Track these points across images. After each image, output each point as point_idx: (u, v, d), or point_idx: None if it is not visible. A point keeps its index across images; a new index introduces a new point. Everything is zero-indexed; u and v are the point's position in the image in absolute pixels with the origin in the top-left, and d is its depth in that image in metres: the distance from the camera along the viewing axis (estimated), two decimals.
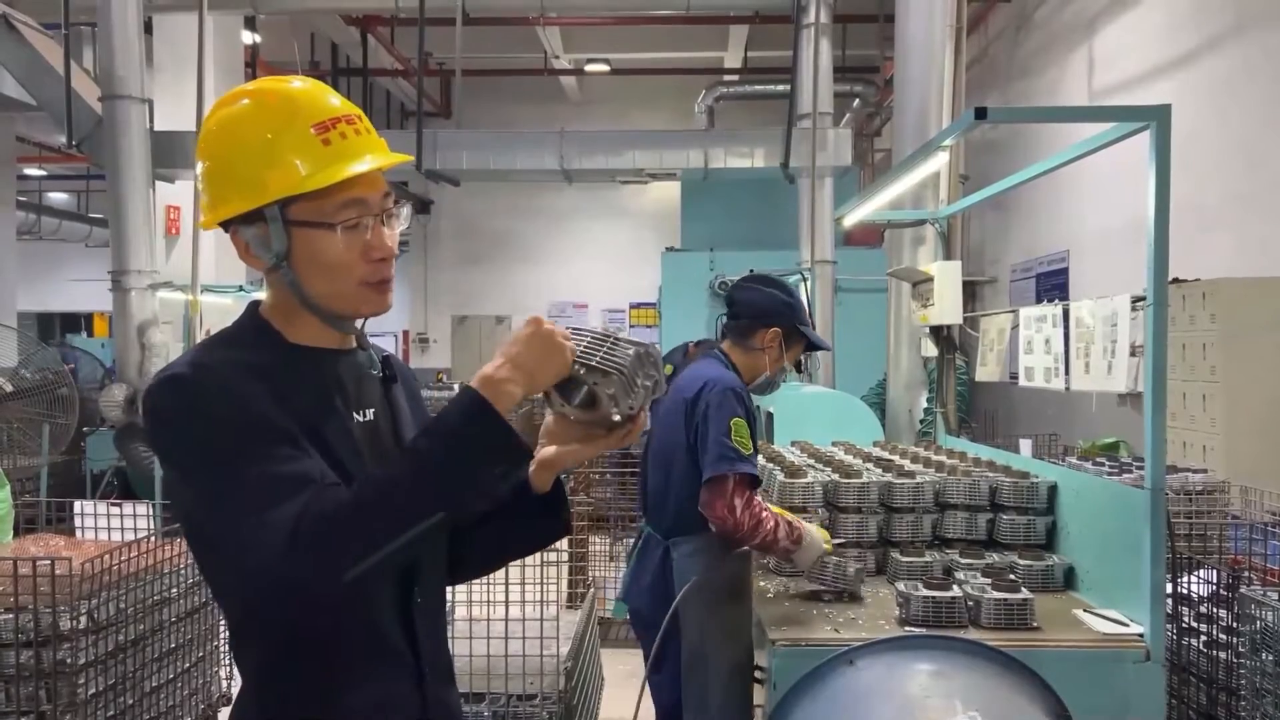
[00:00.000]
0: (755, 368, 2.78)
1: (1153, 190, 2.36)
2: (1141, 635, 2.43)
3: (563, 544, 4.64)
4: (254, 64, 12.65)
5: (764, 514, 2.57)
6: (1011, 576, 2.69)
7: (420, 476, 1.23)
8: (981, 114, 2.40)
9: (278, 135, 1.33)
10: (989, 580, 2.63)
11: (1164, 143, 2.37)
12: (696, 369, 2.80)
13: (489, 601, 3.60)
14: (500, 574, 3.39)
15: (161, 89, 9.82)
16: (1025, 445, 6.59)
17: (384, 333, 20.95)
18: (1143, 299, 2.40)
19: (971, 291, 11.64)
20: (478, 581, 3.46)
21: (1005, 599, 2.50)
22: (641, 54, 14.51)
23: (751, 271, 3.34)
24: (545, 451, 1.46)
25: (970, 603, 2.57)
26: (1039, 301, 9.08)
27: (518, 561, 1.78)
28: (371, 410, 1.44)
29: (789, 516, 2.70)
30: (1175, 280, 5.73)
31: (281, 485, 1.22)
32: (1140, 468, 4.95)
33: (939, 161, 3.47)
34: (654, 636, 2.63)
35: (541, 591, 3.52)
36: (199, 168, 1.39)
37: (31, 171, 17.60)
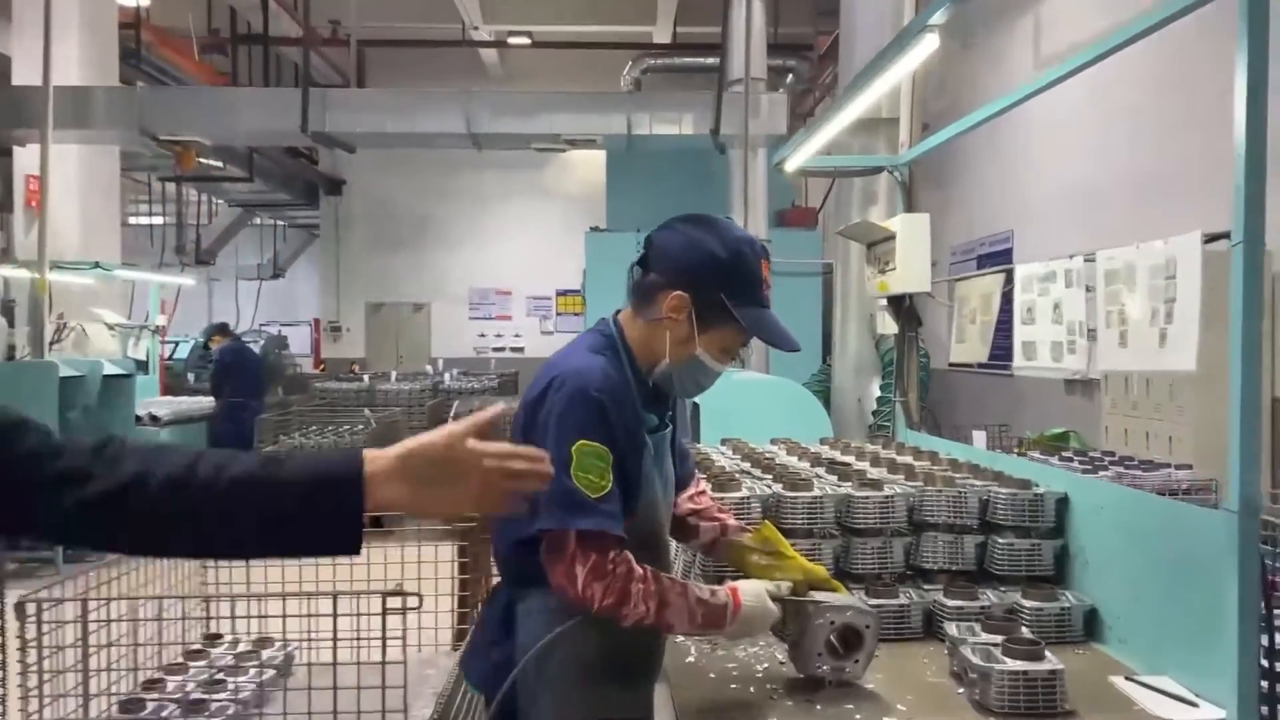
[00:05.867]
0: (652, 350, 1.87)
1: (1244, 75, 1.62)
2: None
3: (450, 557, 3.78)
4: (138, 26, 11.48)
5: (636, 586, 1.72)
6: (1025, 631, 1.94)
7: (242, 511, 1.14)
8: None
9: None
10: (997, 638, 1.87)
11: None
12: (559, 353, 1.92)
13: (336, 640, 2.69)
14: (368, 605, 2.53)
15: (21, 46, 8.81)
16: (978, 437, 5.93)
17: (297, 322, 19.84)
18: (1220, 237, 1.66)
19: (907, 301, 11.07)
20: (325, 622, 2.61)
21: (1026, 671, 1.74)
22: (566, 26, 13.66)
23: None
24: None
25: (972, 674, 1.80)
26: None
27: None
28: None
29: (738, 585, 1.83)
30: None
31: None
32: (1119, 463, 4.30)
33: (893, 79, 2.70)
34: None
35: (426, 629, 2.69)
36: None
37: None
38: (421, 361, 16.01)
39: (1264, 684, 1.68)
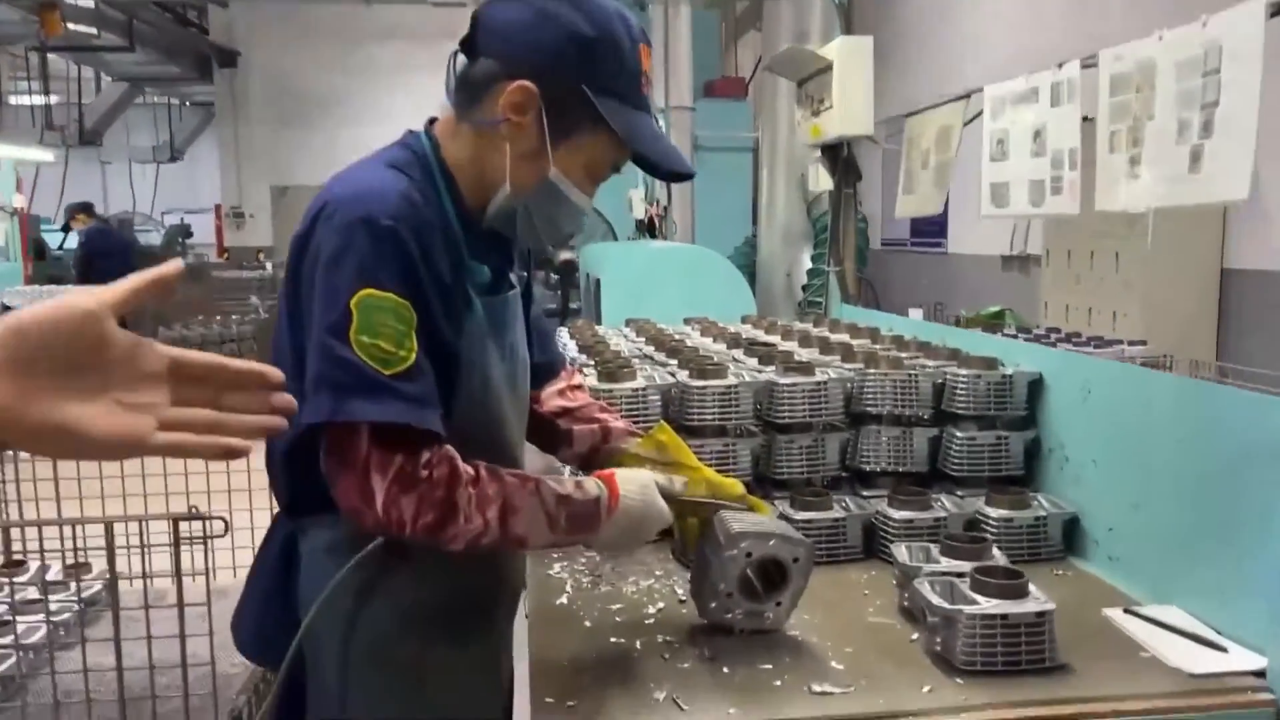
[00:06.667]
0: (484, 172, 1.30)
1: None
2: (1263, 673, 1.27)
3: None
4: None
5: (464, 493, 1.19)
6: (997, 554, 1.48)
7: None
8: None
9: None
10: (962, 565, 1.41)
11: None
12: (341, 173, 1.32)
13: (115, 578, 2.09)
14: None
15: None
16: (915, 315, 5.53)
17: (198, 209, 18.64)
18: None
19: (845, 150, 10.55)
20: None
21: (1004, 615, 1.28)
22: None
23: None
24: None
25: (932, 617, 1.34)
26: None
27: None
28: None
29: (632, 473, 1.34)
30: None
31: None
32: (1065, 340, 3.91)
33: None
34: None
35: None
36: None
37: None
38: None
39: None
